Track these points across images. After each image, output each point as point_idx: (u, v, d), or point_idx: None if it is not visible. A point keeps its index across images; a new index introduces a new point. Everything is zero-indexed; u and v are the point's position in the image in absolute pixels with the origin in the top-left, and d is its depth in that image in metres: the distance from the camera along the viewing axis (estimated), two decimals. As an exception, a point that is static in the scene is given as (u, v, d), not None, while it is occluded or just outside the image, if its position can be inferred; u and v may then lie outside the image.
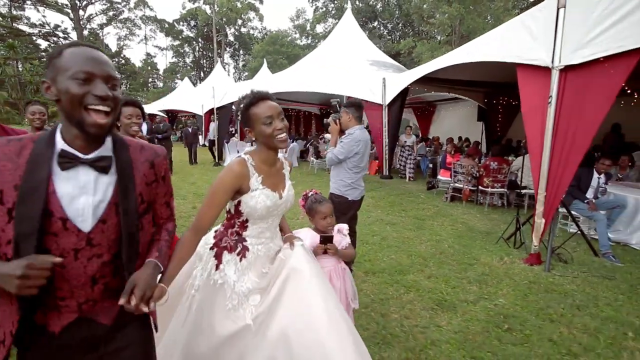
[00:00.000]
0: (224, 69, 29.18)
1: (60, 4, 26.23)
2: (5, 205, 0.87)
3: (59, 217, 0.90)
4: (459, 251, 3.97)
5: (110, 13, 32.56)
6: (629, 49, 3.12)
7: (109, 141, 0.99)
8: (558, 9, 3.36)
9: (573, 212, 4.28)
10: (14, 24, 28.05)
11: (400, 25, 35.44)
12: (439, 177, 7.01)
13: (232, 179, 1.38)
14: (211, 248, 1.52)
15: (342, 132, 3.14)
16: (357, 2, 35.08)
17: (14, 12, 29.44)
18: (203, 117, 15.84)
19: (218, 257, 1.49)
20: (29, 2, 27.71)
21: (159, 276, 1.09)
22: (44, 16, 47.33)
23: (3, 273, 0.82)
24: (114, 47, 37.49)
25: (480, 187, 6.01)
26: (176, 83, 40.03)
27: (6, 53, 28.62)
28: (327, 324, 1.29)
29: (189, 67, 43.33)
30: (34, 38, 30.01)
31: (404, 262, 3.60)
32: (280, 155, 1.58)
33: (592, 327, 2.52)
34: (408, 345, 2.27)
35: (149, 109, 20.15)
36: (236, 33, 41.94)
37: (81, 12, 28.21)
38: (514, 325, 2.52)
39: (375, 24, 36.90)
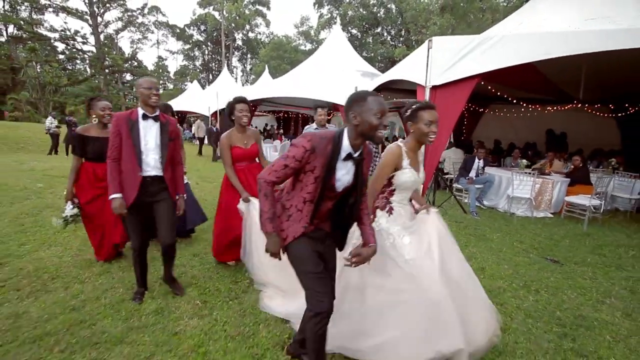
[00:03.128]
0: (232, 72, 31.70)
1: (80, 12, 29.05)
2: (314, 174, 1.63)
3: (330, 185, 1.66)
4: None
5: (125, 18, 35.35)
6: (466, 76, 5.12)
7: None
8: (428, 49, 5.37)
9: (459, 185, 6.27)
10: (34, 28, 30.97)
11: (403, 31, 37.51)
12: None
13: (394, 158, 2.00)
14: None
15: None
16: (361, 9, 37.29)
17: (34, 16, 32.41)
18: (210, 118, 18.13)
19: (373, 213, 2.08)
20: (50, 9, 30.66)
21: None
22: (65, 22, 50.52)
23: (272, 242, 1.69)
24: (127, 50, 40.42)
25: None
26: (185, 85, 42.70)
27: (27, 56, 31.46)
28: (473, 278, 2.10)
29: (198, 70, 46.10)
30: (52, 41, 32.96)
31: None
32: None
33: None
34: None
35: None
36: (244, 38, 44.60)
37: (99, 19, 31.00)
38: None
39: (379, 29, 39.07)
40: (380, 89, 9.19)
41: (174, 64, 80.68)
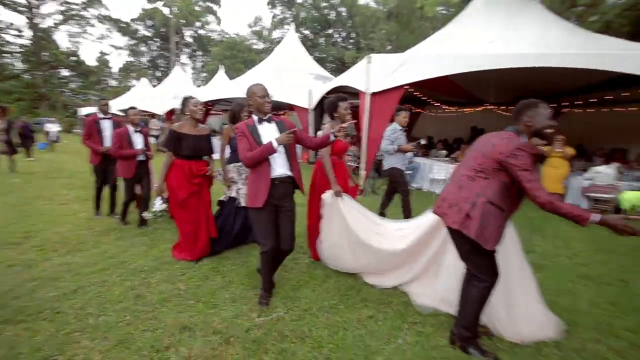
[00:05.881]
0: (182, 69, 31.43)
1: (16, 3, 27.45)
2: None
3: None
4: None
5: (65, 10, 33.65)
6: (396, 85, 6.68)
7: None
8: (368, 64, 6.86)
9: (394, 173, 7.88)
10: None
11: (353, 34, 39.70)
12: (341, 160, 10.53)
13: None
14: None
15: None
16: (313, 11, 38.90)
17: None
18: (164, 117, 18.53)
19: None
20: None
21: None
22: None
23: (616, 221, 1.79)
24: (65, 44, 38.29)
25: (362, 165, 9.58)
26: (131, 82, 41.48)
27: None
28: None
29: (145, 67, 44.83)
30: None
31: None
32: None
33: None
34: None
35: (109, 108, 22.29)
36: (194, 35, 44.25)
37: (36, 11, 29.41)
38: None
39: (330, 31, 40.94)
40: (331, 91, 10.67)
41: (119, 60, 76.94)
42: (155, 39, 43.95)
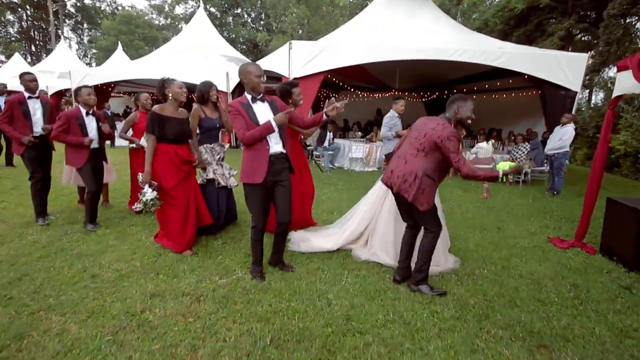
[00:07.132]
0: (64, 42, 27.21)
1: None
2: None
3: None
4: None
5: None
6: (316, 72, 7.24)
7: None
8: (290, 50, 7.27)
9: (317, 152, 8.54)
10: None
11: (263, 15, 39.02)
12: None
13: None
14: None
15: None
16: (219, -12, 36.98)
17: None
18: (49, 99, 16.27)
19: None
20: None
21: None
22: None
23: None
24: None
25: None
26: (-4, 56, 34.85)
27: None
28: None
29: (13, 39, 37.83)
30: None
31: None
32: None
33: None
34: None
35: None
36: (78, 4, 38.66)
37: None
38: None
39: (239, 10, 39.56)
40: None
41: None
42: (26, 7, 37.27)
